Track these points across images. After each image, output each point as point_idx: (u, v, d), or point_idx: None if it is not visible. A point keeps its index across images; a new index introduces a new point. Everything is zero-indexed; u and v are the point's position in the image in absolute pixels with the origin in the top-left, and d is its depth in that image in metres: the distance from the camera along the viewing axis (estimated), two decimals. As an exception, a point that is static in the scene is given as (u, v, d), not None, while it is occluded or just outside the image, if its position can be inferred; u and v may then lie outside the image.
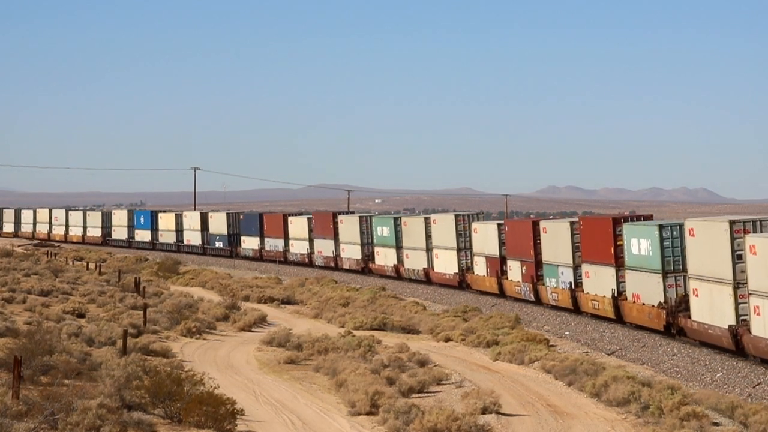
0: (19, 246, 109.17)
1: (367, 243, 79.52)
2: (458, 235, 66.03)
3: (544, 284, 55.32)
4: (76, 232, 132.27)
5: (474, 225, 65.02)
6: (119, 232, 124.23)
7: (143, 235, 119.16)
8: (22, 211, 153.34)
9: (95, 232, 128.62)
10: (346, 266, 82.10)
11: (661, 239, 43.17)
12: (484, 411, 27.09)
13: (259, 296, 61.70)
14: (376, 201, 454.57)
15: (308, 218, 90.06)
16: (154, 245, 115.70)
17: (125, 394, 23.92)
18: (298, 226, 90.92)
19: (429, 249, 69.84)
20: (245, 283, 70.53)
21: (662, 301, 43.11)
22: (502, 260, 60.47)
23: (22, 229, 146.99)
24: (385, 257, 76.79)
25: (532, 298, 56.50)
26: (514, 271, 58.76)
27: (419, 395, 30.06)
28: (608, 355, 41.32)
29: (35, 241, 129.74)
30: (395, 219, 76.32)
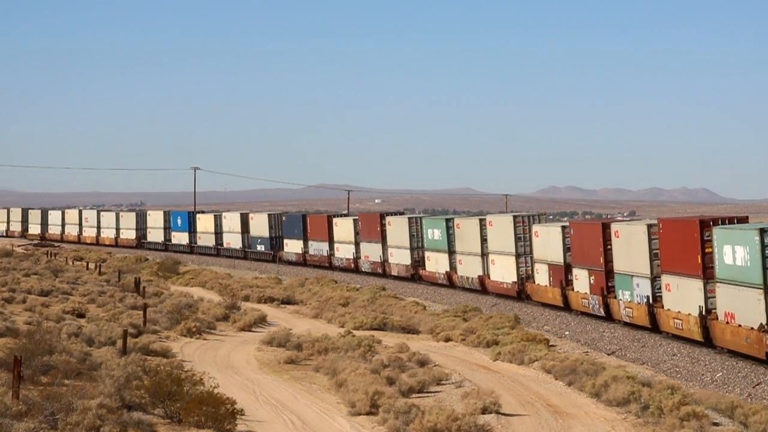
0: (19, 246, 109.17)
1: (417, 247, 72.65)
2: (517, 238, 59.15)
3: (616, 297, 47.82)
4: (108, 234, 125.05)
5: (535, 228, 58.02)
6: (155, 235, 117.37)
7: (180, 238, 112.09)
8: (50, 212, 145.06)
9: (129, 234, 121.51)
10: (394, 272, 75.36)
11: (762, 246, 35.39)
12: (484, 411, 27.08)
13: (259, 296, 61.72)
14: (376, 201, 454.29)
15: (354, 220, 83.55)
16: (192, 248, 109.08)
17: (125, 394, 23.91)
18: (343, 229, 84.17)
19: (484, 254, 63.15)
20: (245, 283, 70.55)
21: (764, 322, 35.36)
22: (567, 268, 53.51)
23: (50, 231, 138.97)
24: (436, 263, 69.76)
25: (602, 312, 49.00)
26: (581, 281, 51.53)
27: (419, 395, 30.05)
28: (608, 355, 41.31)
29: (57, 244, 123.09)
30: (447, 221, 68.96)
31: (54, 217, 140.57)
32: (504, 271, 60.64)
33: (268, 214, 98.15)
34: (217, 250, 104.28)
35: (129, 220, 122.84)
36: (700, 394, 29.91)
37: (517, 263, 59.18)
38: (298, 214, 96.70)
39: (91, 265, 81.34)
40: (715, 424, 26.42)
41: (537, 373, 35.20)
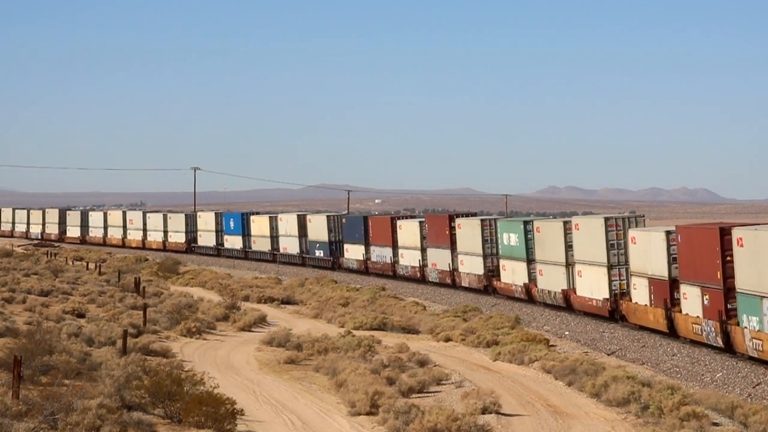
0: (18, 246, 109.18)
1: (491, 254, 62.74)
2: (609, 245, 49.04)
3: (739, 324, 37.26)
4: (155, 237, 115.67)
5: (632, 233, 47.27)
6: (206, 238, 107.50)
7: (234, 242, 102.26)
8: (91, 213, 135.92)
9: (178, 237, 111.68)
10: (464, 283, 65.69)
11: None
12: (484, 411, 27.08)
13: (258, 296, 61.72)
14: (376, 201, 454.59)
15: (420, 222, 73.65)
16: (246, 254, 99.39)
17: (125, 394, 23.92)
18: (408, 232, 74.30)
19: (569, 264, 52.92)
20: (245, 283, 70.55)
21: None
22: (673, 284, 43.15)
23: (91, 234, 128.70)
24: (512, 273, 59.78)
25: (719, 342, 38.85)
26: (691, 301, 41.17)
27: (419, 395, 30.05)
28: (608, 355, 41.31)
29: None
30: (525, 223, 58.54)
31: (95, 218, 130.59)
32: (593, 285, 50.43)
33: (327, 216, 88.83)
34: (273, 256, 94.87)
35: (178, 222, 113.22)
36: (700, 394, 29.92)
37: (609, 276, 49.06)
38: (359, 216, 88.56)
39: (91, 265, 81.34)
40: (715, 424, 26.43)
41: (537, 373, 35.21)
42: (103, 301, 51.44)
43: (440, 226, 69.80)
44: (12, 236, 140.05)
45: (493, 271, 62.32)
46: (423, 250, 71.67)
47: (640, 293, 46.00)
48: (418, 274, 71.93)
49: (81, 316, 44.76)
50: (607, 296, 49.00)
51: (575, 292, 52.35)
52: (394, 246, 75.98)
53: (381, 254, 78.05)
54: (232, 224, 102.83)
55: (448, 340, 44.48)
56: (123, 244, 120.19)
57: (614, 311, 48.66)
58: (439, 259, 69.41)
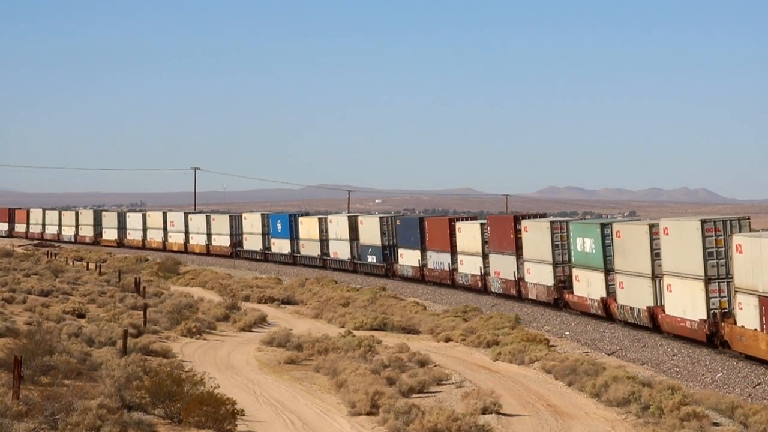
0: (19, 246, 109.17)
1: (562, 262, 54.51)
2: (707, 254, 40.45)
3: None
4: (198, 240, 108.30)
5: (736, 239, 38.29)
6: (252, 242, 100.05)
7: (281, 246, 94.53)
8: (128, 214, 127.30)
9: (223, 240, 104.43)
10: (531, 295, 57.30)
11: None
12: (485, 411, 27.09)
13: (259, 296, 61.72)
14: (376, 201, 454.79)
15: (481, 224, 65.13)
16: (294, 259, 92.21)
17: (125, 395, 23.93)
18: (468, 235, 66.00)
19: (656, 276, 44.29)
20: (245, 283, 70.55)
21: None
22: None
23: (128, 237, 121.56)
24: (587, 285, 51.27)
25: None
26: None
27: (419, 395, 30.06)
28: (608, 355, 41.30)
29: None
30: (603, 226, 49.91)
31: (133, 220, 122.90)
32: (686, 303, 41.84)
33: (380, 217, 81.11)
34: (323, 261, 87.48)
35: (222, 223, 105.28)
36: (700, 394, 29.93)
37: (707, 292, 40.38)
38: (414, 218, 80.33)
39: (91, 266, 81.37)
40: (716, 425, 26.44)
41: (537, 374, 35.21)
42: (103, 301, 51.45)
43: (504, 229, 61.20)
44: (42, 239, 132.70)
45: (564, 282, 54.33)
46: (485, 257, 63.56)
47: (747, 314, 37.16)
48: (479, 284, 63.90)
49: (81, 316, 44.77)
50: (704, 317, 40.15)
51: (663, 311, 43.36)
52: (453, 251, 67.66)
53: (438, 260, 69.96)
54: (279, 226, 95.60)
55: (448, 340, 44.49)
56: (163, 248, 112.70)
57: (713, 335, 40.00)
58: (502, 266, 61.06)
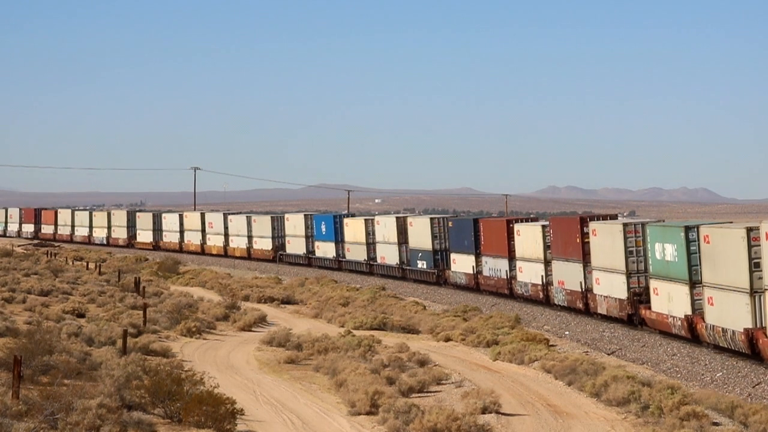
0: (18, 246, 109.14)
1: (638, 271, 46.91)
2: None
3: None
4: (239, 243, 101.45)
5: None
6: (295, 245, 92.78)
7: (326, 249, 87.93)
8: (164, 215, 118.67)
9: (264, 243, 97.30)
10: (601, 310, 49.77)
11: None
12: (484, 411, 27.11)
13: (258, 296, 61.72)
14: (376, 201, 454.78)
15: (543, 226, 57.16)
16: (339, 263, 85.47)
17: (125, 394, 23.93)
18: (528, 239, 58.59)
19: (755, 291, 36.00)
20: (245, 283, 70.54)
21: None
22: None
23: (164, 239, 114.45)
24: (668, 300, 43.36)
25: None
26: None
27: (419, 395, 30.07)
28: (608, 354, 41.31)
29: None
30: (688, 230, 41.93)
31: (170, 221, 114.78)
32: None
33: (430, 218, 73.86)
34: (370, 267, 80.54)
35: (263, 225, 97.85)
36: (700, 393, 29.93)
37: None
38: (468, 219, 71.75)
39: (91, 265, 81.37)
40: (715, 424, 26.45)
41: (537, 373, 35.23)
42: (103, 300, 51.46)
43: (569, 232, 53.56)
44: (71, 241, 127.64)
45: (640, 295, 46.47)
46: (547, 263, 55.84)
47: None
48: (541, 294, 56.35)
49: (81, 315, 44.79)
50: None
51: (766, 334, 35.48)
52: (511, 257, 60.31)
53: (494, 267, 62.66)
54: (323, 228, 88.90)
55: (448, 339, 44.50)
56: (202, 251, 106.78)
57: None
58: (567, 275, 53.45)
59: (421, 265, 72.44)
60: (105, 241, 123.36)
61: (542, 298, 56.20)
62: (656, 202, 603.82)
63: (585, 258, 51.42)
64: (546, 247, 56.13)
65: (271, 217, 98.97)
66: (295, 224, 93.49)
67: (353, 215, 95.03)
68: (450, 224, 70.73)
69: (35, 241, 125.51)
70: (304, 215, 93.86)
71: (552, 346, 41.91)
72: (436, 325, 47.71)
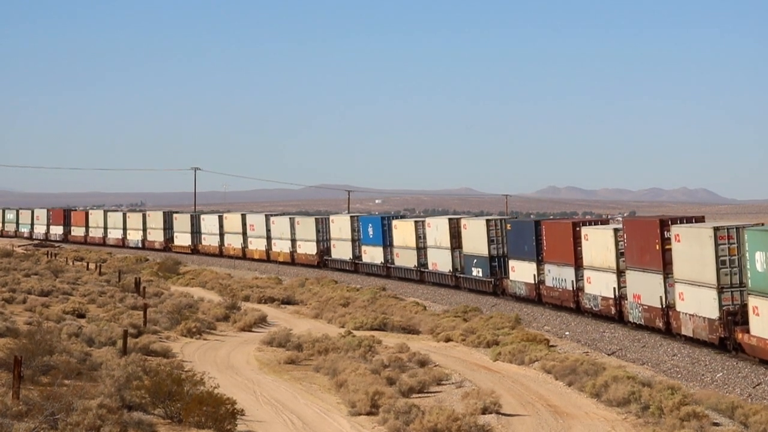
0: (18, 246, 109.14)
1: (731, 286, 39.32)
2: None
3: None
4: (282, 247, 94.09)
5: None
6: (341, 249, 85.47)
7: (373, 255, 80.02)
8: (203, 217, 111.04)
9: (308, 248, 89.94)
10: (686, 331, 41.81)
11: None
12: (485, 411, 27.11)
13: (259, 296, 61.71)
14: (376, 201, 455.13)
15: (614, 230, 49.30)
16: (388, 270, 77.69)
17: (125, 394, 23.94)
18: (597, 245, 50.66)
19: None
20: (245, 284, 70.53)
21: None
22: None
23: (203, 242, 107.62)
24: None
25: None
26: None
27: (419, 395, 30.07)
28: (608, 355, 41.31)
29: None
30: None
31: (209, 223, 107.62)
32: None
33: (487, 221, 65.74)
34: (420, 274, 73.11)
35: (308, 227, 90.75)
36: (700, 394, 29.94)
37: None
38: (528, 221, 63.73)
39: (91, 266, 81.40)
40: (716, 425, 26.45)
41: (537, 374, 35.23)
42: (103, 301, 51.47)
43: (646, 237, 45.39)
44: (104, 244, 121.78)
45: (735, 315, 38.64)
46: (620, 273, 48.15)
47: None
48: (613, 310, 48.60)
49: (81, 316, 44.80)
50: None
51: None
52: (577, 265, 52.48)
53: (558, 276, 54.86)
54: (370, 231, 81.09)
55: (448, 340, 44.49)
56: (243, 255, 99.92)
57: None
58: (644, 288, 45.37)
59: (476, 272, 65.05)
60: (140, 245, 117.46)
61: (614, 314, 48.49)
62: (656, 202, 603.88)
63: (666, 268, 43.62)
64: (619, 254, 48.36)
65: (315, 219, 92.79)
66: (340, 227, 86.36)
67: (403, 217, 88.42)
68: (508, 227, 63.63)
69: (62, 244, 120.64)
70: (350, 217, 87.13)
71: (552, 346, 41.91)
72: (436, 325, 47.71)
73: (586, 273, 51.45)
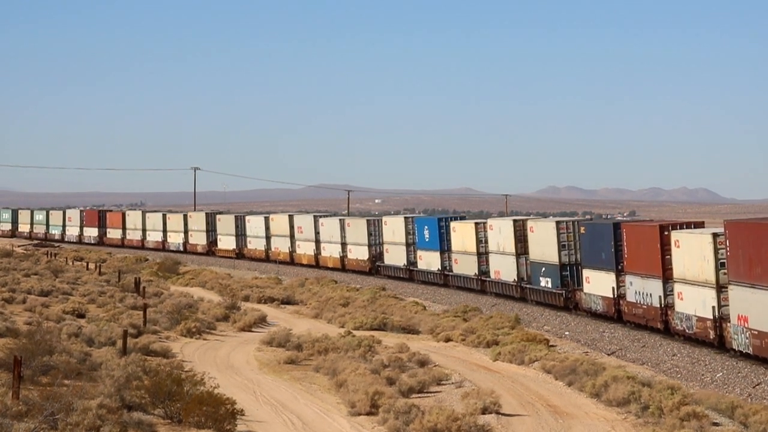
0: (19, 246, 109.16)
1: None
2: None
3: None
4: (331, 251, 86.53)
5: None
6: (394, 254, 77.30)
7: (430, 261, 71.89)
8: (248, 218, 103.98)
9: (360, 252, 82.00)
10: None
11: None
12: (484, 411, 27.11)
13: (259, 296, 61.73)
14: (376, 201, 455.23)
15: (713, 235, 40.24)
16: (445, 279, 69.74)
17: (125, 394, 23.94)
18: (691, 252, 41.90)
19: None
20: (245, 283, 70.55)
21: None
22: None
23: (249, 245, 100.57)
24: None
25: None
26: None
27: (419, 395, 30.07)
28: (608, 355, 41.33)
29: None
30: None
31: (254, 225, 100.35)
32: None
33: (557, 222, 58.19)
34: (481, 284, 65.15)
35: (359, 230, 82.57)
36: (700, 394, 29.95)
37: None
38: (606, 224, 54.84)
39: (91, 266, 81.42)
40: (715, 424, 26.46)
41: (537, 373, 35.23)
42: (103, 301, 51.49)
43: (756, 243, 36.22)
44: (143, 247, 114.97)
45: None
46: (719, 289, 39.32)
47: None
48: (711, 334, 39.77)
49: (81, 316, 44.83)
50: None
51: None
52: (666, 277, 43.94)
53: (642, 290, 46.22)
54: (426, 234, 72.70)
55: (448, 340, 44.51)
56: (291, 260, 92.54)
57: None
58: (753, 308, 36.31)
59: (545, 283, 56.87)
60: (181, 248, 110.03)
61: (713, 338, 39.66)
62: (656, 202, 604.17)
63: None
64: (719, 264, 39.62)
65: (367, 220, 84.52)
66: (393, 229, 77.91)
67: (460, 217, 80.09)
68: (582, 230, 54.56)
69: (98, 246, 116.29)
70: (404, 218, 78.50)
71: (552, 346, 41.92)
72: (436, 325, 47.72)
73: (677, 287, 42.73)
